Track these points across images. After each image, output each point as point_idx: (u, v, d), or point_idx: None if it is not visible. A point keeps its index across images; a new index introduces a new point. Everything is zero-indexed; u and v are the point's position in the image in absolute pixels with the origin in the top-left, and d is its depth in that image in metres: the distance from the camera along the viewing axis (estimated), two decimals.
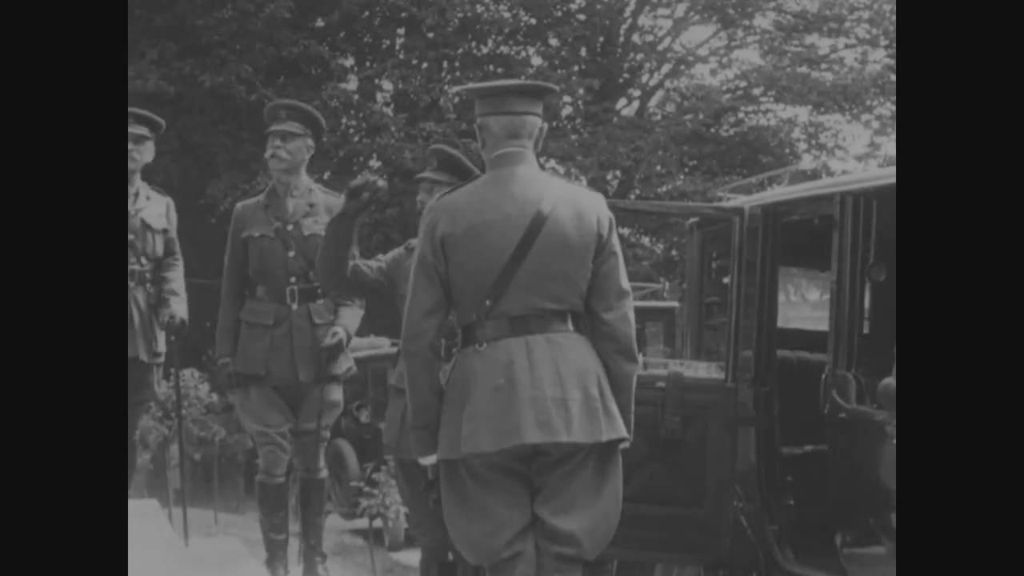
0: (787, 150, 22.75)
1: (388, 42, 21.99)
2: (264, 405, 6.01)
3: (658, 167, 20.99)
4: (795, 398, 6.21)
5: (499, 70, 21.78)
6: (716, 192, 8.55)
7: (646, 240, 23.01)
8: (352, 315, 6.14)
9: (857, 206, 5.60)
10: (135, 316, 6.27)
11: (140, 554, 4.98)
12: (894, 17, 21.64)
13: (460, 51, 21.71)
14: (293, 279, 6.01)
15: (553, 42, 22.59)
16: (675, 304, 14.42)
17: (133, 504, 5.98)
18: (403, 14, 20.94)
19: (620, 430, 4.07)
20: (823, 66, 22.94)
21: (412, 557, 11.62)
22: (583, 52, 22.74)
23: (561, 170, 20.34)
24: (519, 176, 4.13)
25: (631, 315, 4.17)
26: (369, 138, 20.62)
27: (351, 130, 21.24)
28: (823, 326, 6.01)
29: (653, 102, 23.95)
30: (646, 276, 19.98)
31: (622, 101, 23.60)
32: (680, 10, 23.18)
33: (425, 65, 21.06)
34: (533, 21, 22.34)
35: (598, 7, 22.34)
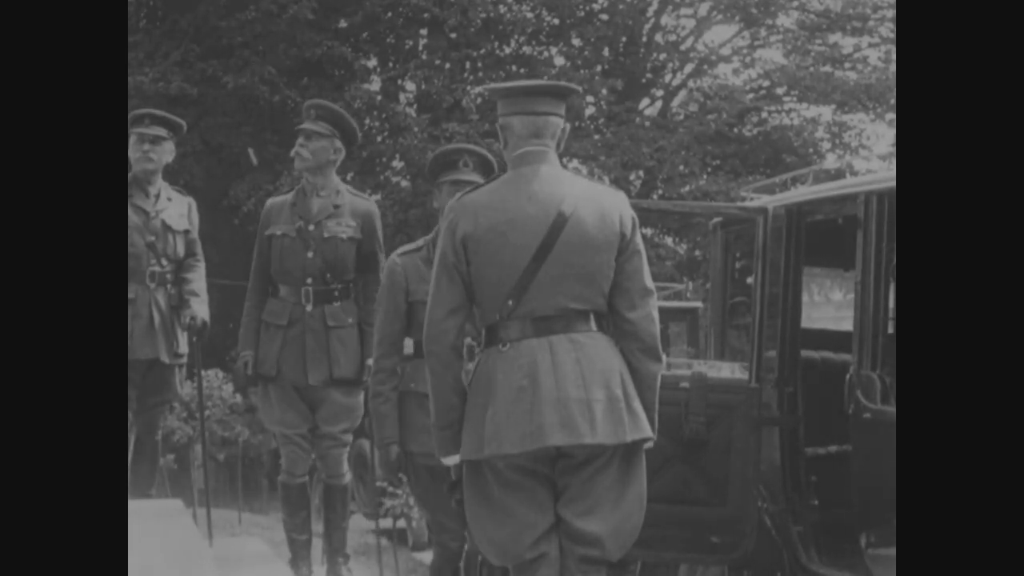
0: (811, 150, 22.67)
1: (411, 43, 22.00)
2: (281, 406, 6.01)
3: (681, 167, 20.93)
4: (819, 398, 6.20)
5: (522, 70, 21.76)
6: (739, 192, 8.53)
7: (669, 240, 22.96)
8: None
9: (881, 206, 5.58)
10: (156, 317, 6.29)
11: (164, 553, 4.99)
12: None
13: (483, 51, 21.70)
14: (309, 280, 5.98)
15: (576, 42, 22.57)
16: (699, 304, 14.41)
17: (157, 503, 6.00)
18: (426, 15, 20.94)
19: (645, 430, 4.06)
20: (847, 65, 22.85)
21: None
22: (606, 52, 22.70)
23: (584, 170, 20.31)
24: (541, 175, 4.12)
25: (655, 314, 4.16)
26: (392, 139, 20.63)
27: (374, 131, 21.24)
28: (847, 326, 5.99)
29: (676, 102, 23.90)
30: (669, 276, 19.93)
31: (645, 101, 23.55)
32: (703, 9, 23.13)
33: (448, 66, 21.05)
34: (556, 21, 22.31)
35: (621, 7, 22.30)
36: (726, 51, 23.49)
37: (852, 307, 5.85)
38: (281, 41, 20.13)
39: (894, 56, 22.53)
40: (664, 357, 4.34)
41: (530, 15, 22.00)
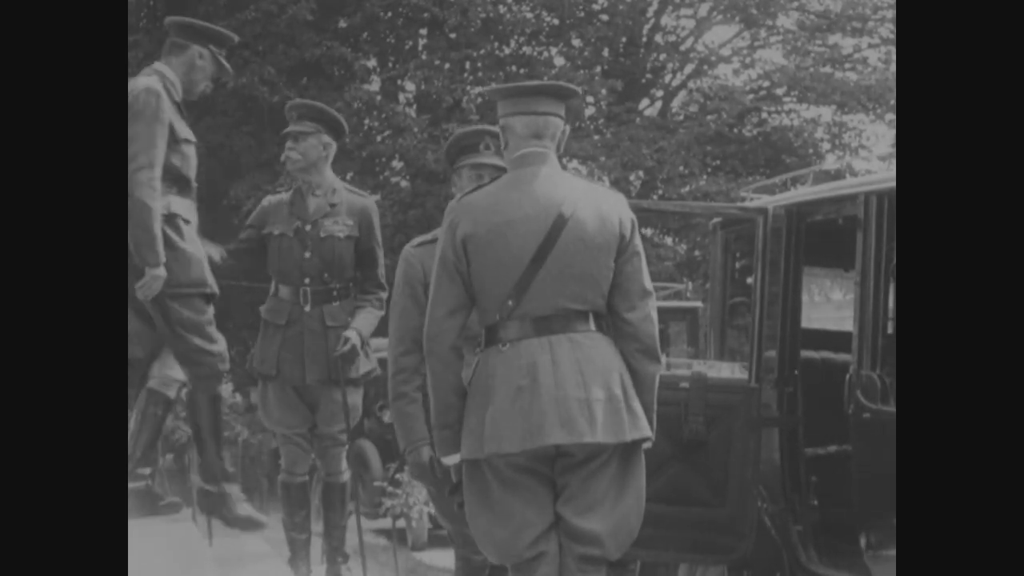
0: (811, 150, 22.67)
1: (411, 43, 21.99)
2: (280, 406, 6.01)
3: (681, 167, 20.93)
4: (819, 398, 6.20)
5: (522, 71, 21.75)
6: (739, 192, 8.53)
7: (669, 240, 22.96)
8: (368, 317, 6.08)
9: (881, 206, 5.58)
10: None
11: (164, 553, 4.99)
12: None
13: (482, 52, 21.69)
14: (307, 280, 5.99)
15: (576, 43, 22.56)
16: (698, 304, 14.42)
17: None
18: (425, 15, 20.94)
19: (644, 429, 4.07)
20: (847, 66, 22.86)
21: (435, 557, 11.63)
22: (606, 52, 22.70)
23: (584, 170, 20.32)
24: (541, 176, 4.13)
25: (654, 315, 4.17)
26: (392, 139, 20.62)
27: (374, 131, 21.24)
28: (847, 326, 5.99)
29: (676, 102, 23.90)
30: (669, 276, 19.94)
31: (645, 101, 23.55)
32: (703, 10, 23.13)
33: (447, 66, 21.04)
34: (556, 21, 22.30)
35: (621, 7, 22.30)
36: (726, 52, 23.51)
37: (852, 307, 5.86)
38: (280, 41, 20.13)
39: (894, 57, 22.53)
40: (664, 357, 4.35)
41: (530, 15, 21.99)
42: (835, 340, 6.78)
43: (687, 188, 20.94)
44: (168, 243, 5.25)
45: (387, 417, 14.84)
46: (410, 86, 21.98)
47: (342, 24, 21.27)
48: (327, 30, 20.70)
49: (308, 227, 6.01)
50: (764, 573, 6.22)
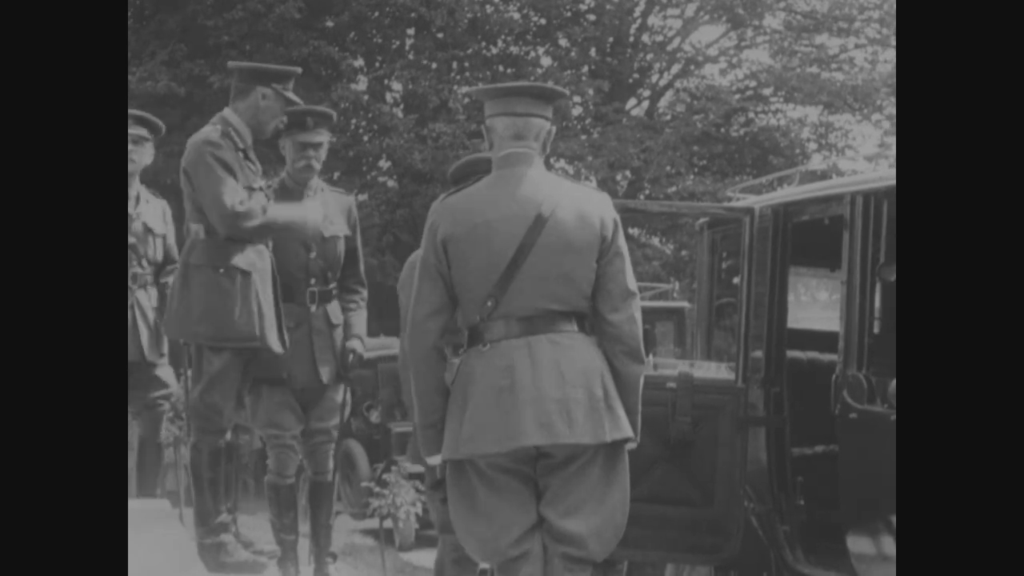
0: (797, 150, 22.75)
1: (398, 43, 22.00)
2: (276, 408, 6.01)
3: (668, 167, 20.97)
4: (806, 398, 6.21)
5: (509, 71, 21.77)
6: (726, 192, 8.55)
7: (656, 240, 23.01)
8: (362, 321, 6.17)
9: (867, 206, 5.60)
10: (139, 320, 6.30)
11: (151, 554, 4.98)
12: None
13: (470, 52, 21.71)
14: (313, 280, 6.02)
15: (563, 42, 22.60)
16: (685, 304, 14.42)
17: (145, 504, 5.99)
18: (412, 15, 20.95)
19: (625, 430, 4.06)
20: (833, 66, 22.94)
21: (422, 557, 11.63)
22: (593, 52, 22.73)
23: (571, 170, 20.34)
24: (523, 177, 4.14)
25: (638, 316, 4.16)
26: (379, 139, 20.63)
27: (361, 131, 21.25)
28: (834, 326, 6.01)
29: (663, 102, 23.96)
30: (656, 276, 19.97)
31: (632, 101, 23.60)
32: (690, 10, 23.19)
33: (435, 66, 21.06)
34: (543, 21, 22.33)
35: (608, 7, 22.34)
36: (713, 52, 23.57)
37: (838, 307, 5.87)
38: (268, 41, 20.12)
39: (880, 57, 22.64)
40: (650, 358, 4.34)
41: (517, 15, 22.03)
42: (821, 340, 6.79)
43: (674, 188, 20.99)
44: (220, 295, 5.39)
45: (374, 417, 14.85)
46: (397, 86, 22.00)
47: (329, 24, 21.27)
48: (314, 29, 20.70)
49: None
50: (751, 573, 6.23)
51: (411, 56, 21.47)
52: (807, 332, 7.28)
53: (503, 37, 22.24)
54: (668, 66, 23.64)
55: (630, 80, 23.19)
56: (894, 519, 5.30)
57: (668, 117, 23.01)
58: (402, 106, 21.79)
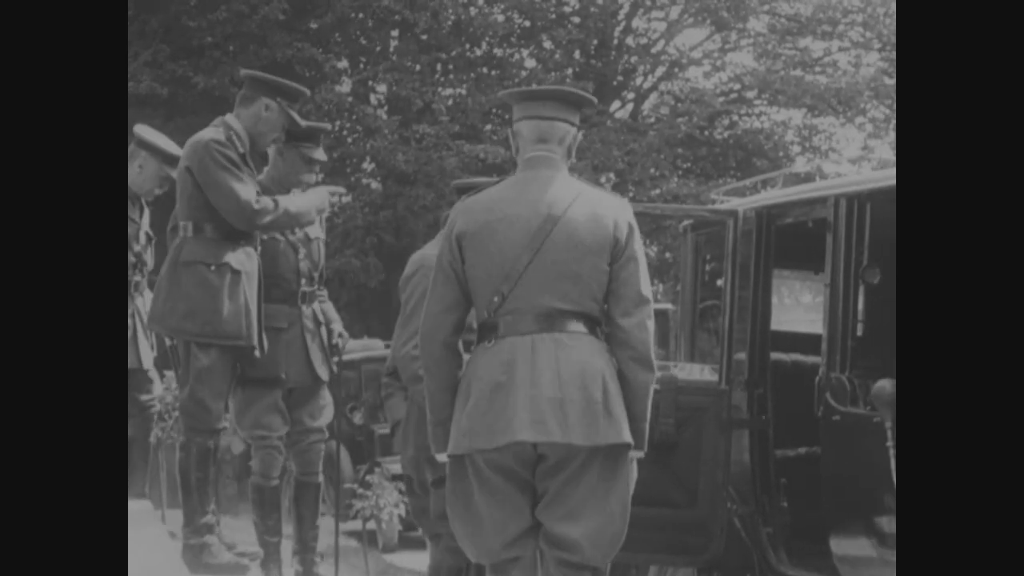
0: (781, 153, 22.77)
1: (381, 45, 21.97)
2: (264, 410, 6.01)
3: (652, 170, 20.98)
4: (789, 400, 6.23)
5: (493, 73, 21.77)
6: (710, 195, 8.57)
7: None
8: (332, 309, 6.29)
9: (851, 209, 5.62)
10: (139, 328, 6.32)
11: (133, 555, 4.97)
12: (888, 20, 21.70)
13: (454, 54, 21.69)
14: (303, 281, 6.06)
15: (547, 45, 22.59)
16: (669, 306, 14.43)
17: (129, 504, 5.97)
18: (396, 17, 20.91)
19: (622, 434, 4.00)
20: (817, 69, 22.98)
21: (405, 559, 11.62)
22: (577, 55, 22.73)
23: None
24: (541, 179, 4.15)
25: (650, 323, 4.11)
26: (363, 141, 20.60)
27: (344, 132, 21.21)
28: (817, 329, 6.03)
29: (647, 105, 23.96)
30: None
31: (616, 104, 23.59)
32: (674, 13, 23.18)
33: (418, 68, 21.03)
34: (527, 24, 22.32)
35: (592, 10, 22.32)
36: (697, 54, 23.57)
37: (822, 310, 5.88)
38: (252, 42, 20.08)
39: (864, 60, 22.68)
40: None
41: (501, 18, 22.01)
42: (805, 342, 6.81)
43: (658, 190, 20.99)
44: (210, 292, 5.38)
45: (358, 418, 14.82)
46: (381, 88, 21.97)
47: (313, 25, 21.22)
48: (298, 31, 20.66)
49: (297, 231, 6.07)
50: (734, 574, 6.24)
51: (395, 58, 21.43)
52: (790, 334, 7.31)
53: (487, 39, 22.21)
54: (652, 69, 23.65)
55: (614, 82, 23.19)
56: (876, 520, 5.33)
57: (652, 120, 23.03)
58: (386, 108, 21.77)
